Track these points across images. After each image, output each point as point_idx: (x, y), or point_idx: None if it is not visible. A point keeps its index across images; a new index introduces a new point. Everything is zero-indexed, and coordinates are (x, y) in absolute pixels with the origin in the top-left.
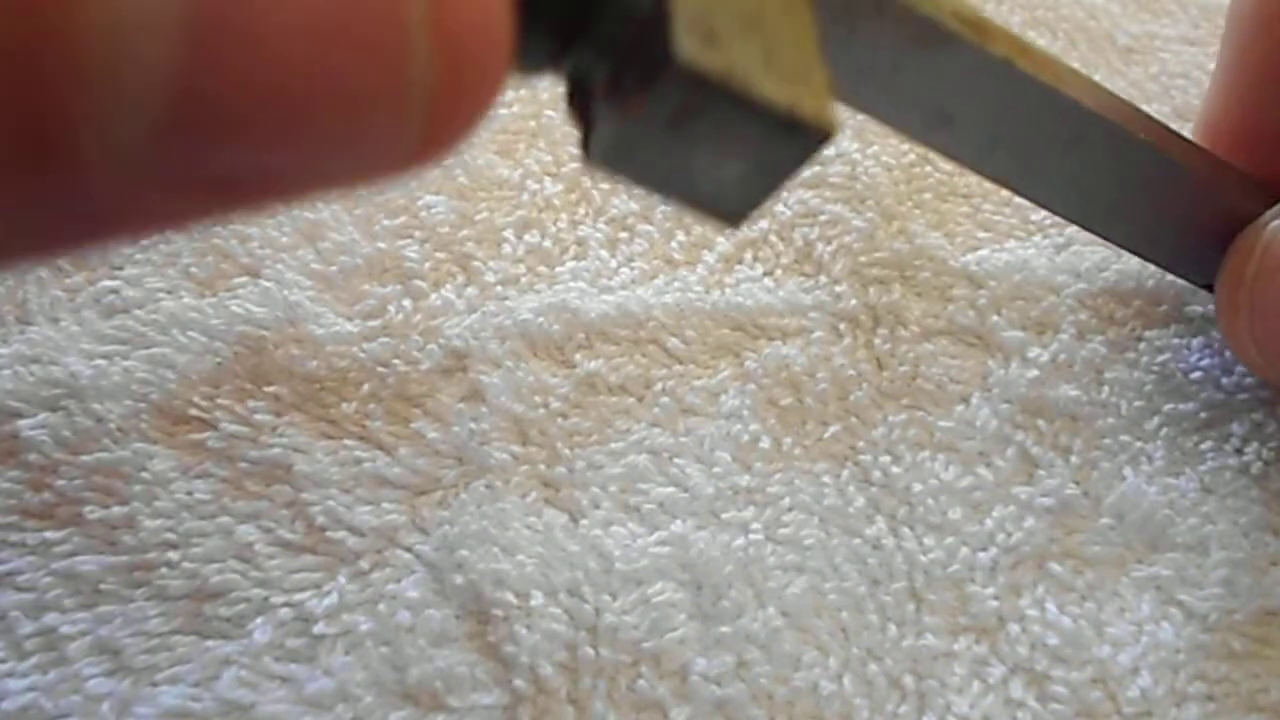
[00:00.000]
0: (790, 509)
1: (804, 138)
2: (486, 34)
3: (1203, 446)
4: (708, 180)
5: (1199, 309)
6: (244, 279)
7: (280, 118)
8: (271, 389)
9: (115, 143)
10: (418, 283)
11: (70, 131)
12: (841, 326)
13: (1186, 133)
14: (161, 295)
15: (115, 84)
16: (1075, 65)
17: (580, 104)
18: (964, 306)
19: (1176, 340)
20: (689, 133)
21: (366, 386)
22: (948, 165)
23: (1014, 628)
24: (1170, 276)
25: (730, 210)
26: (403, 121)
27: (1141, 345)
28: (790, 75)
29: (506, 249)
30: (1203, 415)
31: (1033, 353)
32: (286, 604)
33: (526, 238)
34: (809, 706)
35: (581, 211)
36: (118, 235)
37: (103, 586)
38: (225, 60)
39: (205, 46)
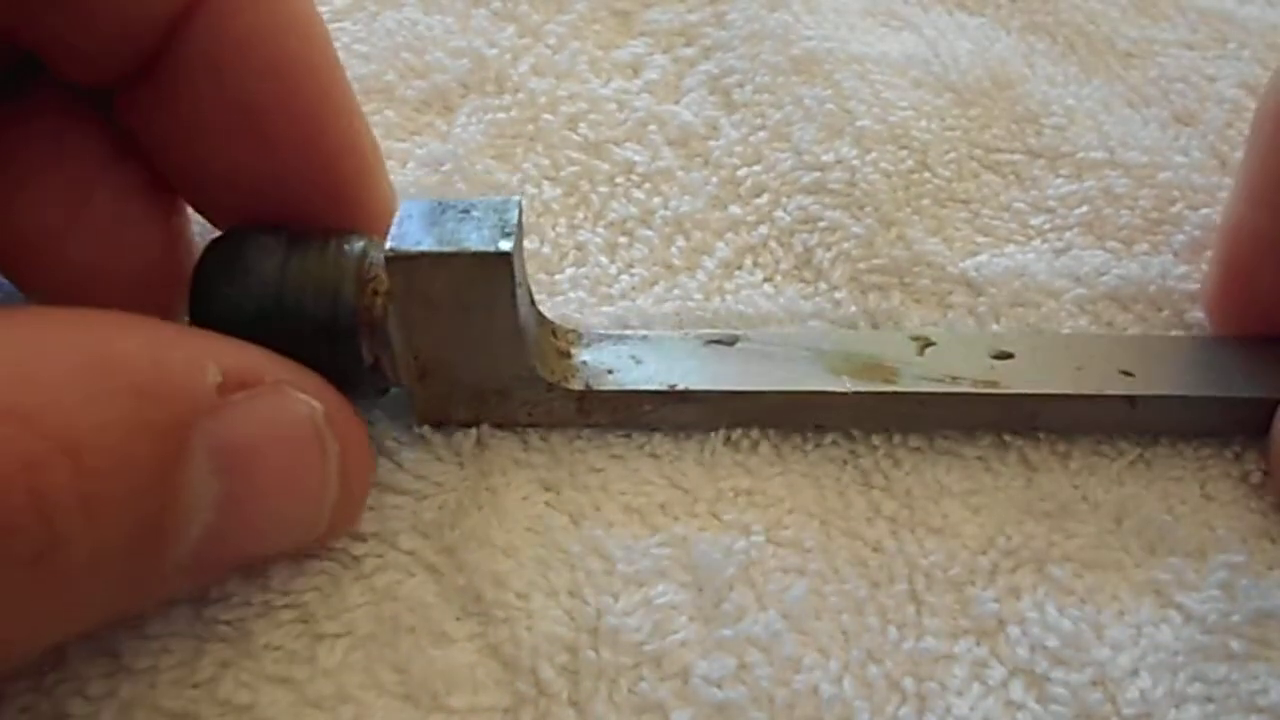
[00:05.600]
0: (790, 511)
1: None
2: (364, 482)
3: (1203, 453)
4: None
5: (1199, 315)
6: None
7: (255, 537)
8: None
9: (177, 553)
10: None
11: (162, 540)
12: None
13: (1186, 138)
14: None
15: (190, 519)
16: (1074, 69)
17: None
18: (963, 313)
19: None
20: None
21: None
22: (946, 171)
23: (1014, 630)
24: (1169, 284)
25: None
26: (317, 528)
27: None
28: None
29: None
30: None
31: None
32: (287, 606)
33: (526, 243)
34: (810, 709)
35: (580, 215)
36: (154, 603)
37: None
38: (236, 514)
39: (225, 521)
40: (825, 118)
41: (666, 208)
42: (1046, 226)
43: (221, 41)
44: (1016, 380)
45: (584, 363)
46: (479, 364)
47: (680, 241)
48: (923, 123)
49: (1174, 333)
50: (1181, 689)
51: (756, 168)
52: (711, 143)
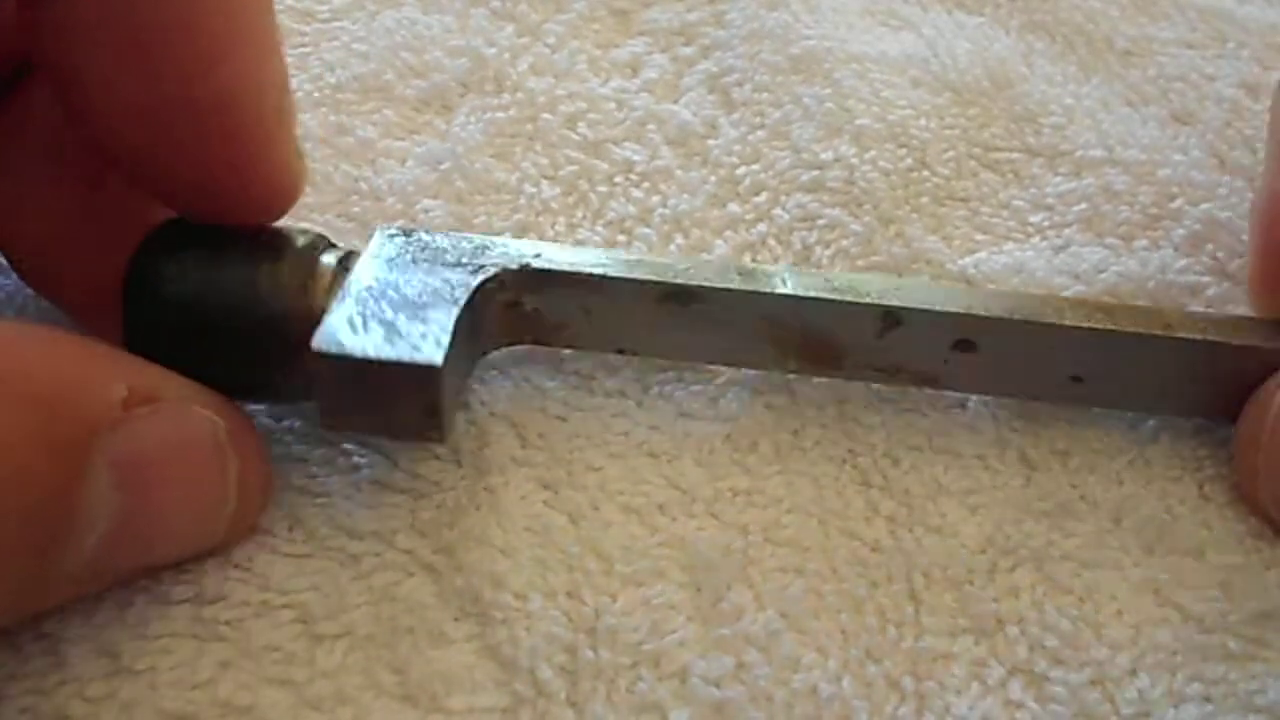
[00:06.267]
0: (789, 510)
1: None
2: (261, 495)
3: (1200, 453)
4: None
5: (1199, 308)
6: None
7: (153, 546)
8: None
9: (73, 561)
10: None
11: (59, 548)
12: None
13: (1185, 137)
14: None
15: (88, 528)
16: (1074, 68)
17: None
18: None
19: None
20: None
21: None
22: (945, 169)
23: (1013, 629)
24: (1169, 279)
25: (424, 435)
26: (214, 538)
27: None
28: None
29: None
30: (1200, 420)
31: None
32: (286, 606)
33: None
34: (808, 708)
35: (579, 214)
36: (50, 606)
37: (102, 592)
38: (134, 525)
39: (122, 531)
40: (824, 116)
41: (665, 206)
42: (1045, 224)
43: None
44: (956, 380)
45: (534, 311)
46: None
47: (679, 240)
48: (921, 121)
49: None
50: (1180, 688)
51: (755, 166)
52: (710, 141)
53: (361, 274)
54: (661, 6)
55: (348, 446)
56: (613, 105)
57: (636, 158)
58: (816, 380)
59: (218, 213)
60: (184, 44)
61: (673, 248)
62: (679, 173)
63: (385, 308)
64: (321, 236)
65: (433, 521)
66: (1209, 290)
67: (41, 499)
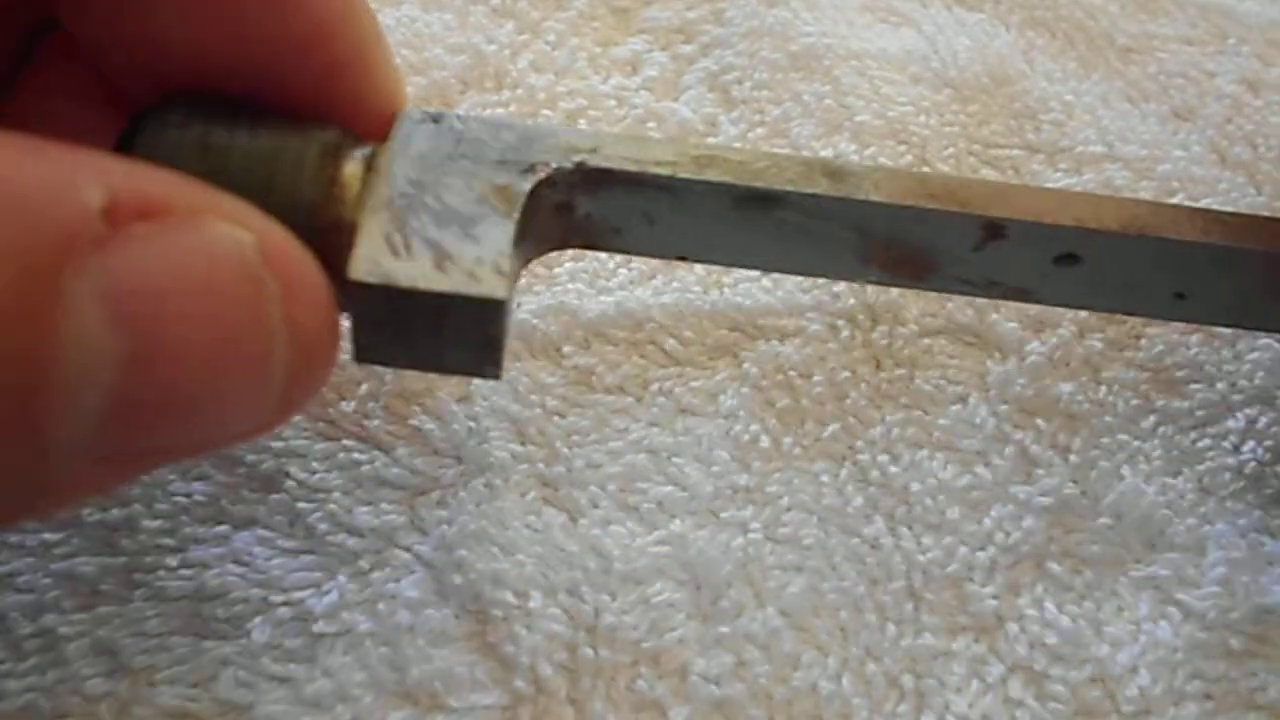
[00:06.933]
0: (789, 508)
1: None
2: (324, 338)
3: (1200, 445)
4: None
5: None
6: None
7: (182, 412)
8: None
9: (71, 432)
10: None
11: (40, 427)
12: (839, 325)
13: (1185, 133)
14: None
15: (82, 381)
16: (1073, 65)
17: None
18: (962, 305)
19: (1175, 337)
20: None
21: (365, 386)
22: (944, 166)
23: (1013, 627)
24: None
25: (475, 371)
26: (265, 401)
27: (1141, 342)
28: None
29: None
30: (1200, 414)
31: (1030, 350)
32: (285, 603)
33: None
34: (808, 706)
35: None
36: (60, 502)
37: (101, 587)
38: (147, 378)
39: (133, 388)
40: (824, 113)
41: None
42: None
43: None
44: (1052, 294)
45: (586, 216)
46: None
47: None
48: (921, 118)
49: (1173, 323)
50: (1180, 686)
51: None
52: (710, 139)
53: (394, 175)
54: (661, 4)
55: (348, 442)
56: (613, 103)
57: None
58: (816, 377)
59: None
60: None
61: None
62: None
63: (428, 222)
64: (347, 131)
65: (432, 518)
66: None
67: (5, 339)
